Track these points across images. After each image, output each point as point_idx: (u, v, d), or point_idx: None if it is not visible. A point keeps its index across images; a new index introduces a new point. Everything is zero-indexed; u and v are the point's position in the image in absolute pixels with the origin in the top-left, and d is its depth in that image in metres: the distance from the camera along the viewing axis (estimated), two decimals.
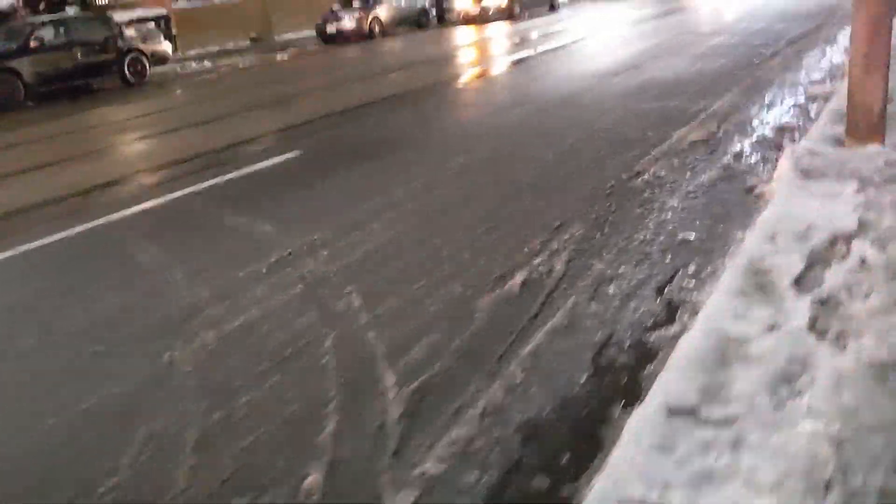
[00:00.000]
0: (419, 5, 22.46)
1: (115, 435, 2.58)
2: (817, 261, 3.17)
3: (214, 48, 20.77)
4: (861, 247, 3.21)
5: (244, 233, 4.65)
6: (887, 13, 4.30)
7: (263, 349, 3.09)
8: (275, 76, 13.65)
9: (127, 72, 14.54)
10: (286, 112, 9.02)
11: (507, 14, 21.54)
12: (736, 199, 4.39)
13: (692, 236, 3.92)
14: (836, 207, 3.70)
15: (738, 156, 5.22)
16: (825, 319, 2.68)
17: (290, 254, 4.16)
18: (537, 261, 3.76)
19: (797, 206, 3.79)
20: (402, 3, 21.33)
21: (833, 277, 2.98)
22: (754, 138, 5.66)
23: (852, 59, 4.51)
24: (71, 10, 19.21)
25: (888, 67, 4.48)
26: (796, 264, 3.13)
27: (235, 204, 5.33)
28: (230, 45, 21.43)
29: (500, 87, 9.98)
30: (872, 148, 4.52)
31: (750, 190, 4.50)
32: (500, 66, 11.91)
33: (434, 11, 23.44)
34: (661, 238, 3.92)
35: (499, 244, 4.05)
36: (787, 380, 2.34)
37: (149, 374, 2.99)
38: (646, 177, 4.97)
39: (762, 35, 11.66)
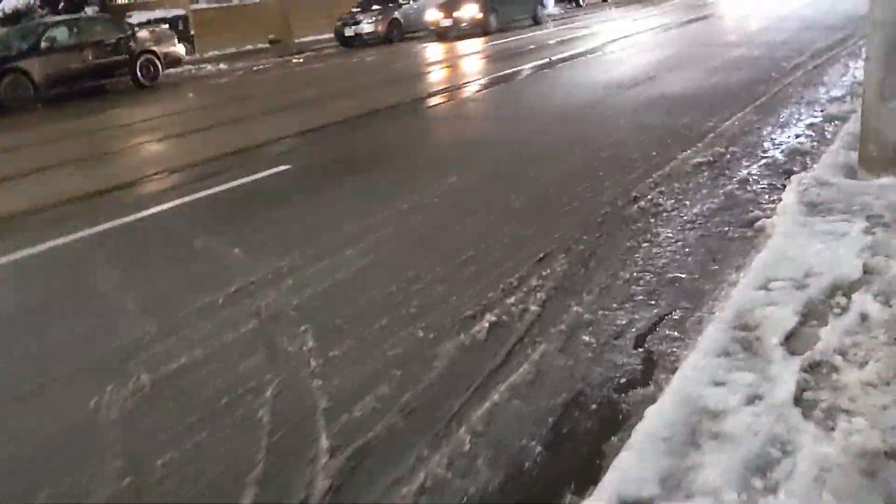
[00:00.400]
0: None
1: (13, 499, 2.33)
2: (813, 315, 2.85)
3: (232, 49, 20.68)
4: (863, 300, 2.88)
5: (211, 257, 4.41)
6: None
7: (198, 398, 2.84)
8: (285, 82, 13.46)
9: (139, 74, 14.44)
10: (286, 121, 8.80)
11: (481, 28, 19.15)
12: (735, 233, 4.06)
13: (683, 275, 3.61)
14: (840, 250, 3.37)
15: (744, 182, 4.89)
16: (814, 391, 2.36)
17: (252, 283, 3.90)
18: (512, 299, 3.47)
19: (798, 246, 3.47)
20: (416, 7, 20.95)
21: (828, 337, 2.66)
22: (763, 162, 5.32)
23: (866, 85, 4.17)
24: (89, 10, 19.20)
25: None
26: (789, 318, 2.81)
27: (211, 223, 5.10)
28: (248, 47, 21.33)
29: (500, 101, 9.64)
30: (886, 180, 4.18)
31: (751, 223, 4.17)
32: (497, 79, 11.59)
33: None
34: (649, 276, 3.61)
35: (475, 278, 3.77)
36: (763, 469, 2.03)
37: (70, 423, 2.75)
38: (643, 203, 4.65)
39: (785, 47, 11.24)
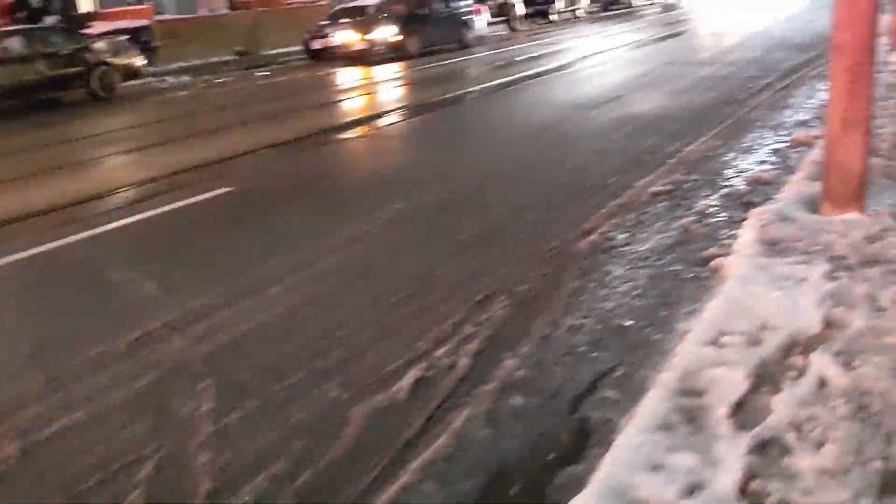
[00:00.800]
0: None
1: None
2: (765, 379, 2.55)
3: (198, 61, 20.20)
4: (821, 361, 2.58)
5: (124, 294, 4.03)
6: (867, 62, 3.69)
7: (67, 473, 2.47)
8: (243, 96, 13.03)
9: (95, 86, 13.96)
10: (237, 138, 8.40)
11: (401, 52, 16.77)
12: (689, 273, 3.77)
13: (630, 322, 3.29)
14: (800, 298, 3.08)
15: (702, 214, 4.61)
16: (763, 479, 2.05)
17: (161, 326, 3.54)
18: (442, 350, 3.14)
19: (754, 293, 3.17)
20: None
21: (782, 408, 2.35)
22: (723, 192, 5.04)
23: (829, 114, 3.90)
24: (50, 20, 18.71)
25: (870, 124, 3.87)
26: (739, 384, 2.50)
27: (134, 254, 4.73)
28: (215, 59, 20.87)
29: (454, 124, 9.31)
30: (851, 216, 3.91)
31: (707, 261, 3.88)
32: (450, 100, 11.29)
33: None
34: (594, 323, 3.30)
35: (407, 322, 3.44)
36: None
37: None
38: (594, 237, 4.35)
39: (755, 66, 11.10)
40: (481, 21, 20.05)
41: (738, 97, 8.57)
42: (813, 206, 4.17)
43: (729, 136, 6.66)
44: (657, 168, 5.73)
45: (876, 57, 3.72)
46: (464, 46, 18.54)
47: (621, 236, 4.34)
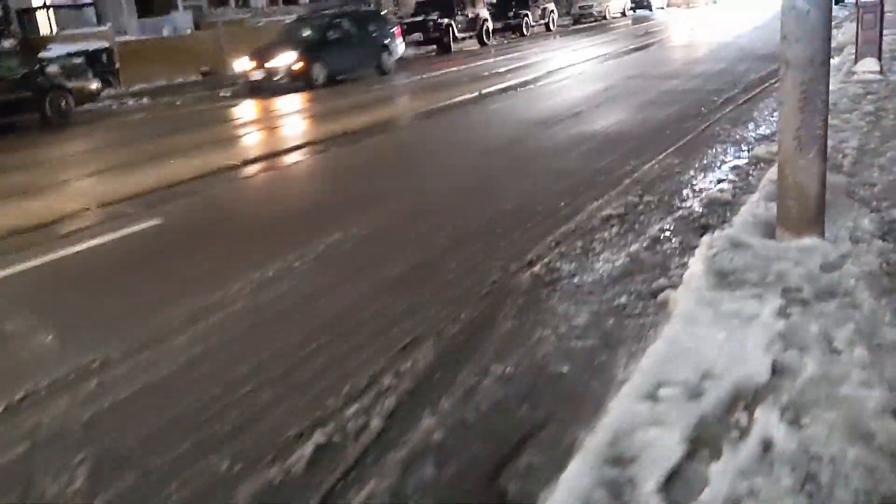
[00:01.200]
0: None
1: None
2: (704, 441, 2.24)
3: (162, 82, 19.79)
4: (768, 418, 2.28)
5: (14, 346, 3.68)
6: (821, 78, 3.41)
7: None
8: (199, 118, 12.64)
9: (48, 110, 13.54)
10: (180, 166, 7.98)
11: (304, 82, 14.89)
12: (636, 308, 3.47)
13: (565, 369, 2.98)
14: (748, 340, 2.79)
15: (654, 241, 4.32)
16: None
17: (48, 385, 3.17)
18: (354, 408, 2.81)
19: (698, 335, 2.87)
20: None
21: (719, 480, 2.04)
22: (678, 214, 4.77)
23: (782, 133, 3.63)
24: (6, 43, 18.24)
25: (826, 142, 3.59)
26: (673, 450, 2.19)
27: (37, 299, 4.36)
28: (179, 80, 20.48)
29: (406, 144, 9.00)
30: (808, 241, 3.64)
31: (655, 294, 3.59)
32: (410, 117, 11.00)
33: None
34: (526, 372, 2.98)
35: (319, 376, 3.10)
36: None
37: None
38: (537, 268, 4.05)
39: (720, 78, 10.93)
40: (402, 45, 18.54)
41: (701, 111, 8.36)
42: (769, 229, 3.90)
43: (688, 153, 6.41)
44: (611, 189, 5.45)
45: (827, 70, 3.45)
46: (383, 73, 16.96)
47: (567, 267, 4.03)
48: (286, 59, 14.96)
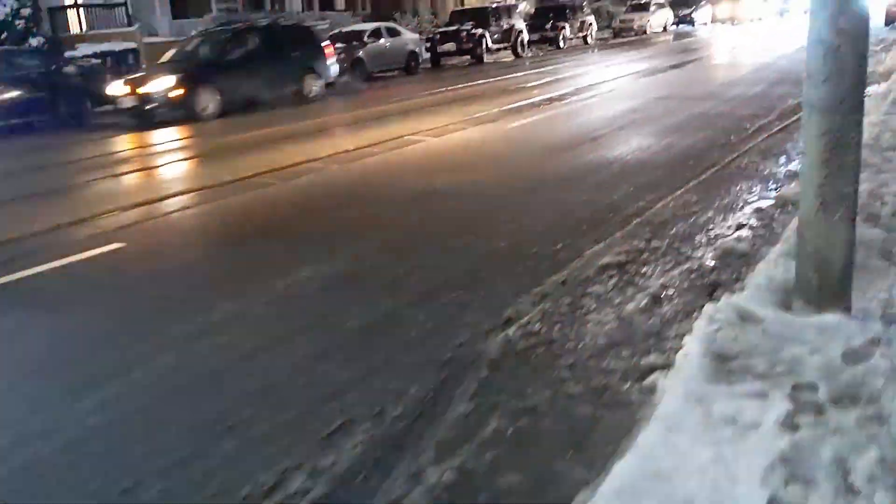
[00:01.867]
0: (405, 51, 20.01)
1: None
2: None
3: None
4: None
5: None
6: (851, 126, 2.81)
7: None
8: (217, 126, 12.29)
9: (64, 111, 13.38)
10: (170, 181, 7.60)
11: (185, 112, 12.13)
12: (617, 394, 2.90)
13: (516, 479, 2.43)
14: (741, 463, 2.20)
15: (653, 300, 3.74)
16: None
17: None
18: None
19: (678, 450, 2.29)
20: (389, 45, 19.77)
21: None
22: (686, 267, 4.18)
23: (802, 191, 3.03)
24: (35, 42, 18.24)
25: (855, 203, 2.98)
26: None
27: None
28: None
29: (405, 166, 8.44)
30: (830, 318, 3.03)
31: (643, 375, 3.00)
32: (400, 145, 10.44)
33: None
34: (466, 481, 2.43)
35: (218, 470, 2.59)
36: None
37: None
38: (512, 330, 3.50)
39: (754, 103, 10.25)
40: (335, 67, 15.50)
41: (730, 140, 7.72)
42: (785, 297, 3.30)
43: (709, 189, 5.79)
44: (616, 230, 4.87)
45: (860, 118, 2.84)
46: (305, 101, 13.93)
47: (546, 331, 3.47)
48: (163, 84, 12.17)
